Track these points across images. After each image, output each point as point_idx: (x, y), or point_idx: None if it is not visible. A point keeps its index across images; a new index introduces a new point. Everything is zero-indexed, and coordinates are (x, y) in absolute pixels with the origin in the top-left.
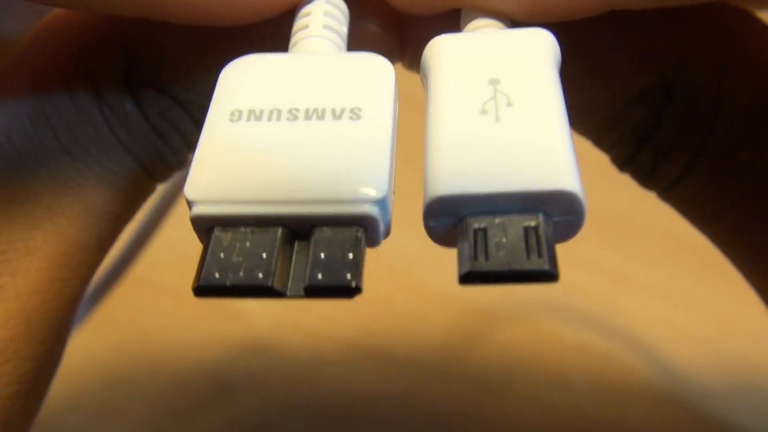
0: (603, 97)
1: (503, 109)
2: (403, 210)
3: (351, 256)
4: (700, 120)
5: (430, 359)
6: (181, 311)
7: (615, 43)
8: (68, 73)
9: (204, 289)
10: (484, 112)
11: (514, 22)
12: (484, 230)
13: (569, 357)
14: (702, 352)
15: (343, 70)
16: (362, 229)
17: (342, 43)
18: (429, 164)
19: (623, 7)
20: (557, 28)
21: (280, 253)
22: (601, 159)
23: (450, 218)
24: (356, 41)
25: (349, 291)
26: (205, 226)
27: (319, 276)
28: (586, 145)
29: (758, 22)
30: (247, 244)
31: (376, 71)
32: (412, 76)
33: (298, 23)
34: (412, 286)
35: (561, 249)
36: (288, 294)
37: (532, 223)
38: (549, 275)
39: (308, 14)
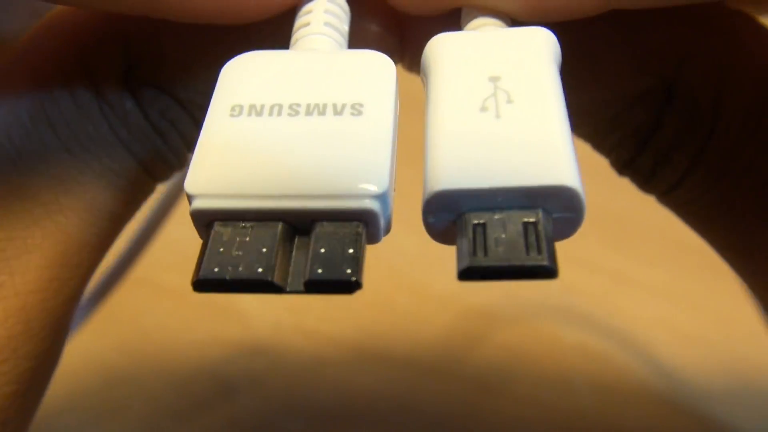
0: (602, 99)
1: (503, 105)
2: (404, 210)
3: (351, 251)
4: (700, 122)
5: (430, 360)
6: (181, 311)
7: (615, 44)
8: (68, 70)
9: (203, 282)
10: (484, 108)
11: (514, 21)
12: (484, 226)
13: (569, 358)
14: (701, 353)
15: (345, 67)
16: (363, 225)
17: (343, 41)
18: (428, 160)
19: (623, 6)
20: (557, 28)
21: (280, 247)
22: (600, 159)
23: (449, 214)
24: (357, 41)
25: (349, 286)
26: (204, 221)
27: (319, 271)
28: (586, 145)
29: (757, 24)
30: (247, 238)
31: (378, 68)
32: (413, 76)
33: (300, 21)
34: (411, 287)
35: (560, 249)
36: (288, 289)
37: (532, 219)
38: (548, 271)
39: (310, 12)
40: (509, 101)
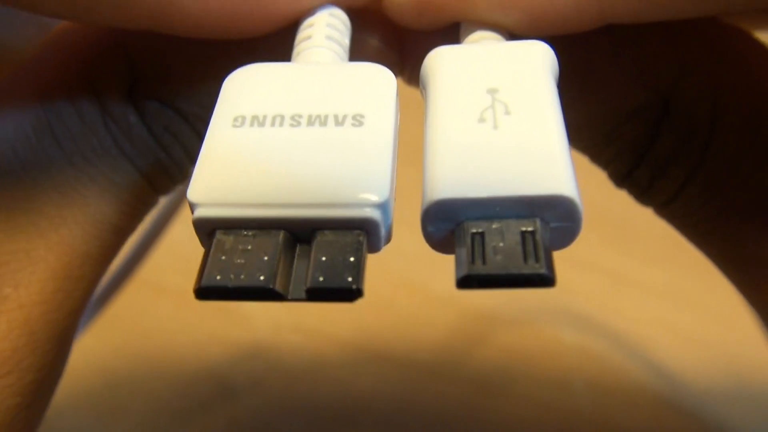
0: (600, 112)
1: (501, 117)
2: (403, 211)
3: (352, 259)
4: (697, 136)
5: (430, 361)
6: (182, 313)
7: (612, 58)
8: (73, 84)
9: (205, 291)
10: (482, 120)
11: (512, 35)
12: (482, 235)
13: (569, 359)
14: (700, 354)
15: (346, 79)
16: (364, 233)
17: (344, 54)
18: (427, 170)
19: (620, 20)
20: (555, 42)
21: (281, 256)
22: None
23: (448, 223)
24: (357, 55)
25: (351, 294)
26: (207, 229)
27: (321, 278)
28: None
29: (753, 39)
30: (249, 246)
31: (378, 79)
32: (412, 85)
33: (302, 34)
34: (412, 288)
35: (560, 250)
36: (289, 297)
37: (530, 228)
38: (546, 279)
39: (311, 25)
40: (507, 113)
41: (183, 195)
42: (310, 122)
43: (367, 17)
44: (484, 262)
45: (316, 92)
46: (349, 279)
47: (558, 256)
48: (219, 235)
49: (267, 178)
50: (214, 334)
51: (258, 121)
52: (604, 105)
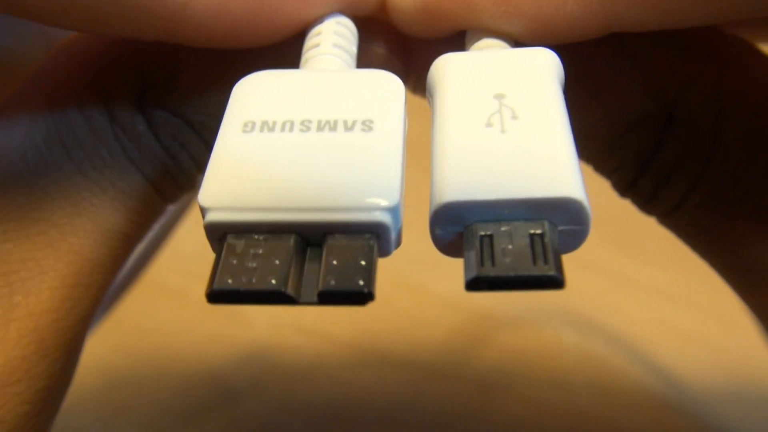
0: (604, 122)
1: (508, 121)
2: (406, 213)
3: (363, 262)
4: (700, 146)
5: (431, 361)
6: (182, 313)
7: (616, 68)
8: (83, 94)
9: (217, 294)
10: (489, 124)
11: (517, 43)
12: (491, 237)
13: (569, 359)
14: (700, 355)
15: (355, 85)
16: (374, 237)
17: (351, 61)
18: (435, 174)
19: (624, 29)
20: (560, 51)
21: (293, 259)
22: None
23: (456, 226)
24: (363, 63)
25: (362, 297)
26: (218, 234)
27: (332, 282)
28: None
29: (756, 50)
30: (261, 250)
31: (387, 85)
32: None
33: (309, 42)
34: (412, 289)
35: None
36: (301, 300)
37: (538, 230)
38: (555, 281)
39: (319, 33)
40: (514, 117)
41: (185, 196)
42: (320, 128)
43: (373, 26)
44: (493, 264)
45: (326, 98)
46: (361, 282)
47: None
48: (230, 239)
49: (277, 183)
50: (214, 334)
51: (268, 126)
52: (608, 114)
